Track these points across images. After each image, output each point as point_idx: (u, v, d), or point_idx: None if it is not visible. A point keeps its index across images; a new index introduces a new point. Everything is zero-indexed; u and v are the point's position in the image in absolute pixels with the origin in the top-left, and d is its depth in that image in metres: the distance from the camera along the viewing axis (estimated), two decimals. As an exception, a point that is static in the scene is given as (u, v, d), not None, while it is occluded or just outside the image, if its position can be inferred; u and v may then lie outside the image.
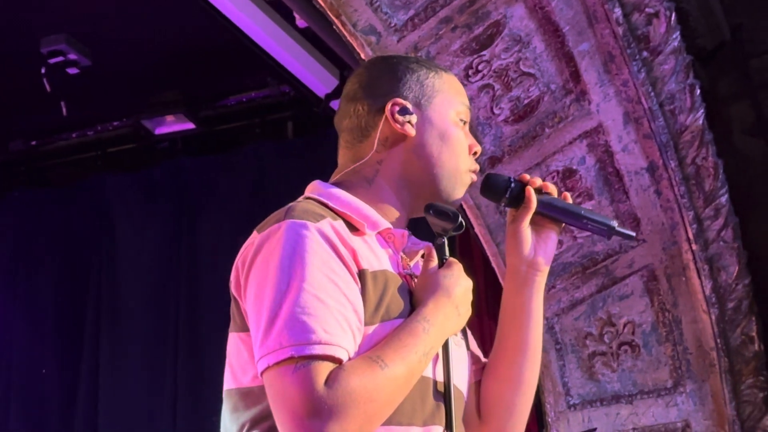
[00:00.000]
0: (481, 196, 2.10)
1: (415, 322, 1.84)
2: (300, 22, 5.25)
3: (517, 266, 2.06)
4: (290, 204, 1.90)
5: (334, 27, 4.24)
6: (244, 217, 5.55)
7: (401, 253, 2.00)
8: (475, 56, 4.37)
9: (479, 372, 2.13)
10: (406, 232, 2.02)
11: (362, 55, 4.25)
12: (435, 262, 1.97)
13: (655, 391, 4.82)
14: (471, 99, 4.45)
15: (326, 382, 1.68)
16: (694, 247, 4.63)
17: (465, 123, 2.07)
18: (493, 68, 4.40)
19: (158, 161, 6.91)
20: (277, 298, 1.75)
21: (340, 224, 1.87)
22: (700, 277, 4.67)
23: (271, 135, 6.67)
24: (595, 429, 4.81)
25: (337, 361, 1.71)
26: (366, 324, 1.81)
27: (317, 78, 5.68)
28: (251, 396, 1.83)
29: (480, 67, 4.38)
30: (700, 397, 4.76)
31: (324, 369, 1.69)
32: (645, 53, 4.33)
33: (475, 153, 2.08)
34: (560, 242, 4.76)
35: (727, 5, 4.89)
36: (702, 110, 4.49)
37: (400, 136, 2.02)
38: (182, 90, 6.46)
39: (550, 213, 2.05)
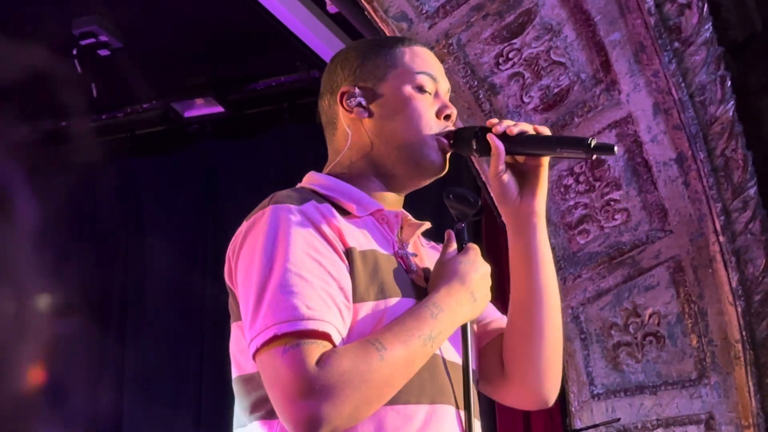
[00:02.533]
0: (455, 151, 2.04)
1: (423, 307, 1.83)
2: (331, 8, 5.26)
3: (508, 215, 2.01)
4: (275, 192, 1.91)
5: (366, 13, 4.25)
6: (271, 201, 5.54)
7: (396, 234, 2.00)
8: (506, 44, 4.37)
9: (486, 335, 2.09)
10: (400, 213, 2.02)
11: (393, 42, 4.25)
12: (453, 247, 1.96)
13: (679, 382, 4.82)
14: (501, 87, 4.47)
15: (318, 362, 1.68)
16: (721, 239, 4.63)
17: (428, 91, 2.03)
18: (523, 56, 4.39)
19: (187, 144, 6.93)
20: (262, 281, 1.76)
21: (326, 206, 1.88)
22: (726, 269, 4.66)
23: (299, 120, 6.67)
24: (618, 419, 4.81)
25: (323, 335, 1.71)
26: (358, 301, 1.81)
27: (347, 64, 5.68)
28: (253, 382, 1.84)
29: (510, 55, 4.38)
30: (724, 390, 4.75)
31: (315, 349, 1.69)
32: (676, 44, 4.32)
33: (446, 117, 2.03)
34: (587, 232, 4.76)
35: (759, -4, 4.87)
36: (732, 102, 4.48)
37: (358, 121, 2.04)
38: (212, 73, 6.48)
39: (522, 151, 1.96)
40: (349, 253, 1.84)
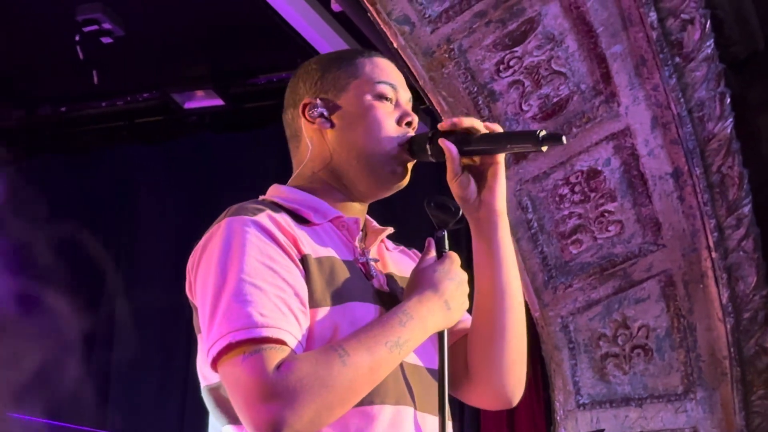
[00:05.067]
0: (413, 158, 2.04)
1: (393, 314, 1.84)
2: (335, 6, 5.26)
3: (470, 216, 2.02)
4: (232, 205, 1.94)
5: (369, 14, 4.25)
6: (266, 196, 5.54)
7: (356, 241, 2.02)
8: (507, 52, 4.37)
9: (452, 335, 2.07)
10: (360, 219, 2.04)
11: (395, 44, 4.26)
12: (432, 255, 1.97)
13: (665, 396, 4.82)
14: (500, 94, 4.48)
15: (278, 367, 1.70)
16: (713, 255, 4.63)
17: (389, 100, 2.05)
18: (524, 65, 4.40)
19: (184, 135, 6.94)
20: (216, 291, 1.79)
21: (281, 216, 1.90)
22: (717, 286, 4.67)
23: (299, 116, 6.68)
24: (603, 430, 4.82)
25: (279, 342, 1.73)
26: (314, 306, 1.83)
27: (349, 63, 5.68)
28: (219, 390, 1.87)
29: (511, 63, 4.39)
30: (709, 405, 4.76)
31: (275, 355, 1.71)
32: (677, 59, 4.33)
33: (408, 123, 2.04)
34: (579, 242, 4.77)
35: (762, 14, 4.88)
36: (731, 119, 4.48)
37: (320, 132, 2.05)
38: (213, 66, 6.48)
39: (474, 150, 1.95)
40: (304, 259, 1.86)
